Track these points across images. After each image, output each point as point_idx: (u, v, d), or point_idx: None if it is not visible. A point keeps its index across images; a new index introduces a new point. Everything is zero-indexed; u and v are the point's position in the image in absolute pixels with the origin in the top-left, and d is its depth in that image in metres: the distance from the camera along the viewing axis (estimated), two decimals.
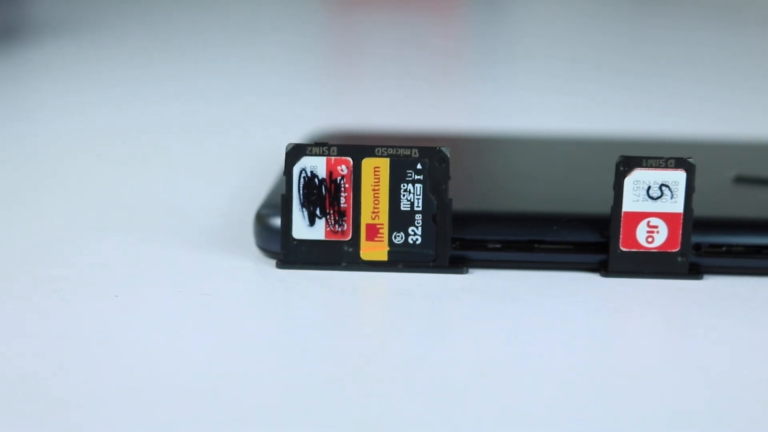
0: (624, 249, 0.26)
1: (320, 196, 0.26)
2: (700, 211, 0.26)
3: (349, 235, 0.26)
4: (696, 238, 0.26)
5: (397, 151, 0.26)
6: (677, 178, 0.26)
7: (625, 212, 0.26)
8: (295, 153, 0.26)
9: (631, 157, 0.26)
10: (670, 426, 0.19)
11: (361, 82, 0.60)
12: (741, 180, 0.30)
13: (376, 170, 0.26)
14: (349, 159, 0.26)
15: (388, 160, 0.26)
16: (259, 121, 0.47)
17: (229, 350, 0.22)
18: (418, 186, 0.26)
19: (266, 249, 0.27)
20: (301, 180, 0.26)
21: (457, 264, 0.26)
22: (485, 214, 0.27)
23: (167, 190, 0.35)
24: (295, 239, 0.26)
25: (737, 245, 0.26)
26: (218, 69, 0.61)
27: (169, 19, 0.82)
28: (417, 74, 0.61)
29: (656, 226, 0.26)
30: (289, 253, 0.26)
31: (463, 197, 0.27)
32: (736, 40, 0.76)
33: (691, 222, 0.26)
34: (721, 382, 0.21)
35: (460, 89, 0.60)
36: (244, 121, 0.47)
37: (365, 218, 0.26)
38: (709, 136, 0.39)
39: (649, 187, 0.26)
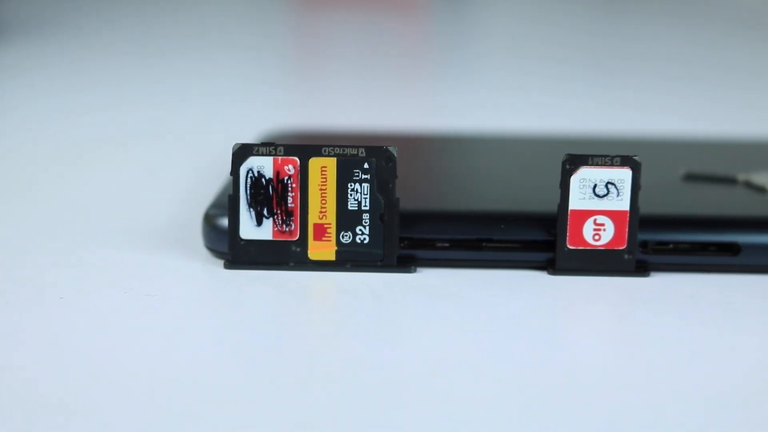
0: (571, 247, 0.26)
1: (267, 196, 0.26)
2: (647, 208, 0.26)
3: (296, 235, 0.26)
4: (643, 236, 0.26)
5: (344, 150, 0.26)
6: (623, 176, 0.26)
7: (572, 210, 0.26)
8: (241, 153, 0.26)
9: (577, 156, 0.26)
10: (616, 422, 0.19)
11: (323, 82, 0.60)
12: (690, 177, 0.30)
13: (323, 170, 0.26)
14: (296, 159, 0.26)
15: (335, 159, 0.26)
16: (216, 121, 0.47)
17: (173, 351, 0.22)
18: (366, 185, 0.26)
19: (214, 249, 0.27)
20: (248, 180, 0.26)
21: (405, 263, 0.26)
22: (433, 213, 0.27)
23: (118, 191, 0.34)
24: (242, 239, 0.26)
25: (684, 242, 0.27)
26: (176, 67, 0.61)
27: (125, 17, 0.82)
28: (379, 74, 0.61)
29: (603, 224, 0.26)
30: (237, 254, 0.26)
31: (412, 196, 0.27)
32: (691, 39, 0.77)
33: (638, 219, 0.26)
34: (666, 378, 0.21)
35: (421, 88, 0.60)
36: (200, 121, 0.47)
37: (313, 218, 0.26)
38: (661, 134, 0.40)
39: (595, 185, 0.26)
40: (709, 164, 0.32)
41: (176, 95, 0.53)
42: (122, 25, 0.78)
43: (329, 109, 0.51)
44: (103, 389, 0.20)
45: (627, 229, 0.26)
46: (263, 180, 0.26)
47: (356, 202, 0.26)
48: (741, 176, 0.30)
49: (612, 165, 0.26)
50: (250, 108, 0.50)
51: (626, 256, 0.26)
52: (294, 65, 0.68)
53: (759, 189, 0.29)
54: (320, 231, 0.26)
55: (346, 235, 0.26)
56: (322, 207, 0.26)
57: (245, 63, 0.65)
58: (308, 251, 0.26)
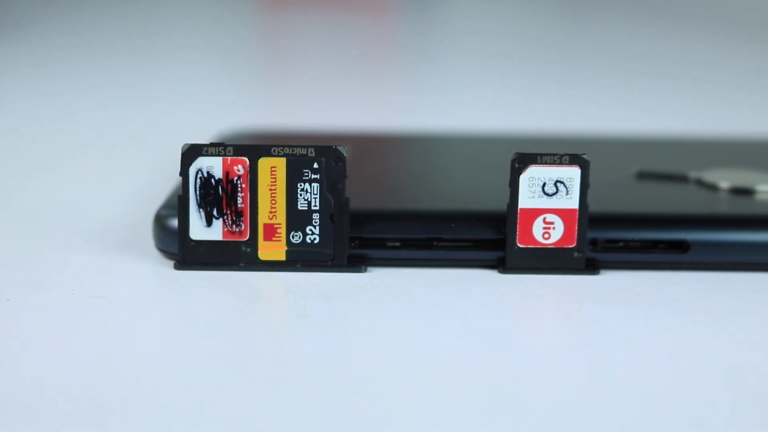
0: (521, 245, 0.26)
1: (217, 197, 0.26)
2: (597, 206, 0.26)
3: (246, 235, 0.26)
4: (593, 234, 0.26)
5: (293, 150, 0.26)
6: (572, 174, 0.26)
7: (521, 209, 0.26)
8: (191, 153, 0.26)
9: (525, 154, 0.26)
10: (562, 417, 0.19)
11: (288, 82, 0.60)
12: (642, 176, 0.31)
13: (272, 170, 0.26)
14: (246, 159, 0.26)
15: (284, 159, 0.26)
16: (177, 121, 0.47)
17: (119, 352, 0.22)
18: (315, 185, 0.26)
19: (165, 250, 0.27)
20: (198, 180, 0.26)
21: (355, 263, 0.26)
22: (384, 213, 0.27)
23: (71, 192, 0.34)
24: (192, 240, 0.26)
25: (633, 240, 0.27)
26: (138, 66, 0.61)
27: (83, 16, 0.81)
28: (345, 73, 0.61)
29: (552, 223, 0.26)
30: (187, 254, 0.26)
31: (362, 195, 0.27)
32: (649, 37, 0.77)
33: (587, 218, 0.26)
34: (611, 374, 0.21)
35: (388, 88, 0.60)
36: (161, 121, 0.47)
37: (263, 218, 0.26)
38: (616, 132, 0.40)
39: (544, 184, 0.26)
40: (662, 162, 0.32)
41: (137, 94, 0.53)
42: (81, 24, 0.78)
43: (294, 109, 0.51)
44: (47, 392, 0.20)
45: (576, 228, 0.26)
46: (213, 180, 0.26)
47: (306, 202, 0.26)
48: (692, 174, 0.30)
49: (561, 164, 0.26)
50: (213, 108, 0.50)
51: (576, 254, 0.26)
52: (258, 65, 0.68)
53: (710, 187, 0.30)
54: (270, 231, 0.26)
55: (296, 235, 0.26)
56: (271, 207, 0.26)
57: (209, 62, 0.64)
58: (258, 251, 0.26)
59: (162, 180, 0.34)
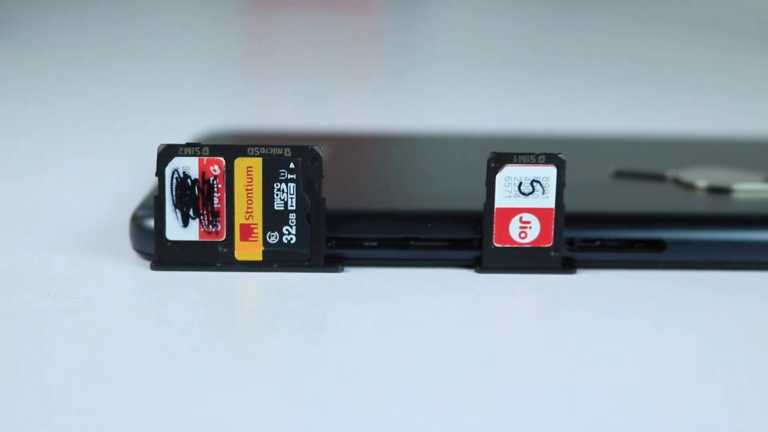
0: (497, 245, 0.26)
1: (193, 197, 0.26)
2: (574, 206, 0.26)
3: (223, 236, 0.26)
4: (570, 233, 0.27)
5: (269, 150, 0.26)
6: (548, 173, 0.26)
7: (498, 208, 0.26)
8: (166, 153, 0.26)
9: (502, 154, 0.26)
10: (538, 417, 0.19)
11: (273, 82, 0.60)
12: (620, 175, 0.31)
13: (248, 170, 0.26)
14: (222, 159, 0.26)
15: (260, 159, 0.26)
16: (156, 122, 0.47)
17: (93, 353, 0.22)
18: (292, 185, 0.26)
19: (142, 251, 0.27)
20: (174, 181, 0.26)
21: (332, 262, 0.26)
22: (360, 213, 0.27)
23: (47, 192, 0.34)
24: (169, 240, 0.26)
25: (610, 239, 0.27)
26: (122, 66, 0.60)
27: (63, 13, 0.81)
28: (330, 74, 0.61)
29: (529, 222, 0.26)
30: (164, 255, 0.26)
31: (339, 195, 0.27)
32: (628, 36, 0.78)
33: (563, 217, 0.26)
34: (590, 374, 0.21)
35: (372, 89, 0.60)
36: (139, 122, 0.46)
37: (239, 218, 0.26)
38: (593, 131, 0.40)
39: (520, 183, 0.26)
40: (639, 162, 0.32)
41: (119, 94, 0.53)
42: (60, 26, 0.78)
43: (272, 109, 0.51)
44: (22, 393, 0.20)
45: (553, 227, 0.26)
46: (189, 180, 0.26)
47: (282, 202, 0.26)
48: (670, 173, 0.30)
49: (537, 163, 0.26)
50: (197, 108, 0.50)
51: (552, 254, 0.26)
52: (243, 65, 0.68)
53: (687, 186, 0.30)
54: (247, 231, 0.26)
55: (273, 235, 0.26)
56: (248, 207, 0.26)
57: (193, 62, 0.64)
58: (235, 251, 0.26)
59: (139, 181, 0.34)
